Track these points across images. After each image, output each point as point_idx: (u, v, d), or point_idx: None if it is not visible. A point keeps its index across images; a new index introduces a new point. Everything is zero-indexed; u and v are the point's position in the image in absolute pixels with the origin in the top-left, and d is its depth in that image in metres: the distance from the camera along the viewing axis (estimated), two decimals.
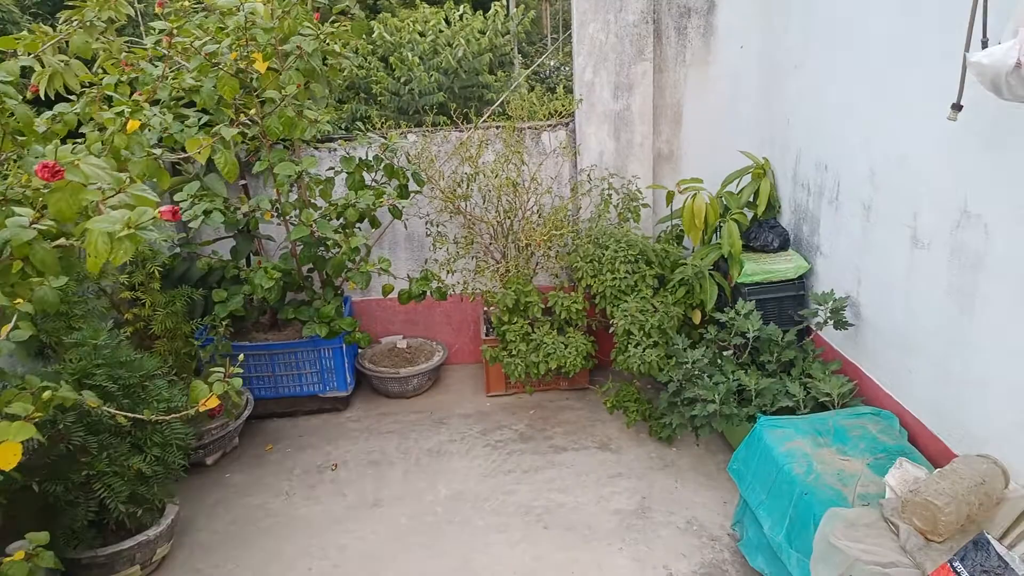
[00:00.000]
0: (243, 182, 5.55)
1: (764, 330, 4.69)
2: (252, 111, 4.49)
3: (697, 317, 5.22)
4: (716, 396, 4.44)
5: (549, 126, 5.87)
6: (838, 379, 4.40)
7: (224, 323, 4.79)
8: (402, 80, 8.58)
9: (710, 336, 4.88)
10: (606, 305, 5.16)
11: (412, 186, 5.54)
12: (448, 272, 5.50)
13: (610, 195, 5.64)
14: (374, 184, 5.30)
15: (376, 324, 6.46)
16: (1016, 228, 3.26)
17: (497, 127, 5.78)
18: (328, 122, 4.81)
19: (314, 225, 4.73)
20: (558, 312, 5.21)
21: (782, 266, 5.15)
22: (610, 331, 4.95)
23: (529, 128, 5.87)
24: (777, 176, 5.65)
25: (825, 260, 5.00)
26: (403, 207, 5.07)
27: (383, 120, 5.74)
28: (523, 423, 5.65)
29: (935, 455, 3.91)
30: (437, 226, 5.68)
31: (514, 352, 5.20)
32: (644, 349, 4.77)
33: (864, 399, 4.48)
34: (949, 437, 3.81)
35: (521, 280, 5.31)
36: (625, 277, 5.05)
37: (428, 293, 5.24)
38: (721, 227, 5.28)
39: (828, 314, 4.59)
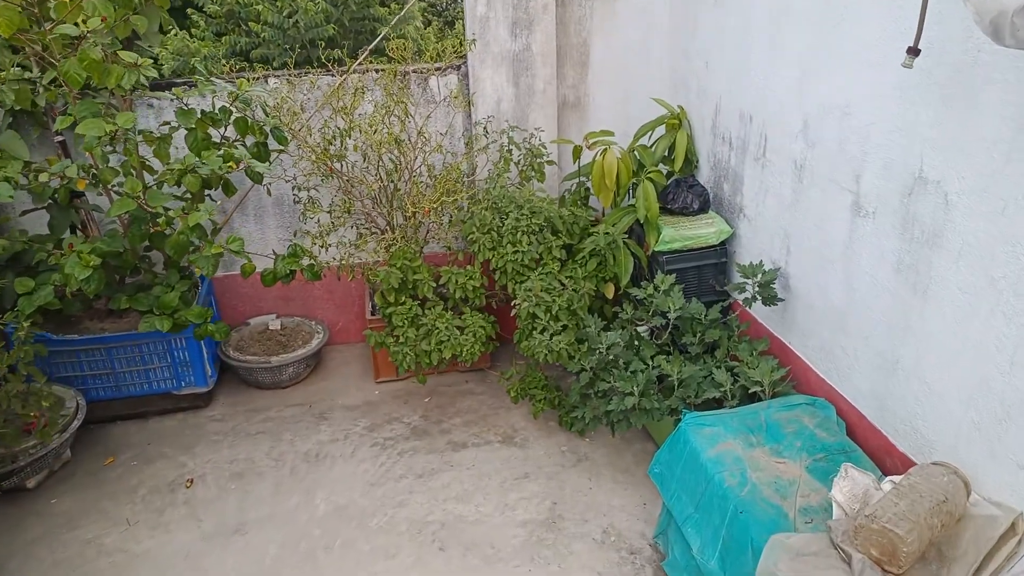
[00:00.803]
0: (59, 139, 4.49)
1: (687, 308, 4.12)
2: (47, 50, 3.47)
3: (610, 291, 4.61)
4: (635, 387, 3.86)
5: (438, 70, 5.03)
6: (768, 363, 3.89)
7: (28, 321, 3.82)
8: (285, 13, 7.46)
9: (626, 315, 4.28)
10: (507, 281, 4.48)
11: (275, 144, 4.63)
12: (323, 247, 4.66)
13: (510, 151, 4.90)
14: (224, 142, 4.37)
15: (243, 302, 5.57)
16: (981, 200, 2.74)
17: (376, 71, 4.90)
18: (204, 59, 3.86)
19: (143, 196, 3.79)
20: (452, 290, 4.49)
21: (703, 231, 4.58)
22: (512, 314, 4.28)
23: (415, 72, 5.01)
24: (694, 127, 5.04)
25: (750, 224, 4.45)
26: (263, 171, 4.17)
27: (265, 59, 4.75)
28: (417, 414, 4.96)
29: (877, 451, 3.46)
30: (308, 191, 4.80)
31: (402, 339, 4.46)
32: (551, 336, 4.13)
33: (795, 383, 4.00)
34: (895, 433, 3.35)
35: (408, 254, 4.54)
36: (528, 250, 4.36)
37: (298, 272, 4.41)
38: (635, 187, 4.64)
39: (756, 289, 4.06)
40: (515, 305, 4.20)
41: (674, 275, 4.60)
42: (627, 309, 4.29)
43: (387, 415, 4.97)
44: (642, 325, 4.29)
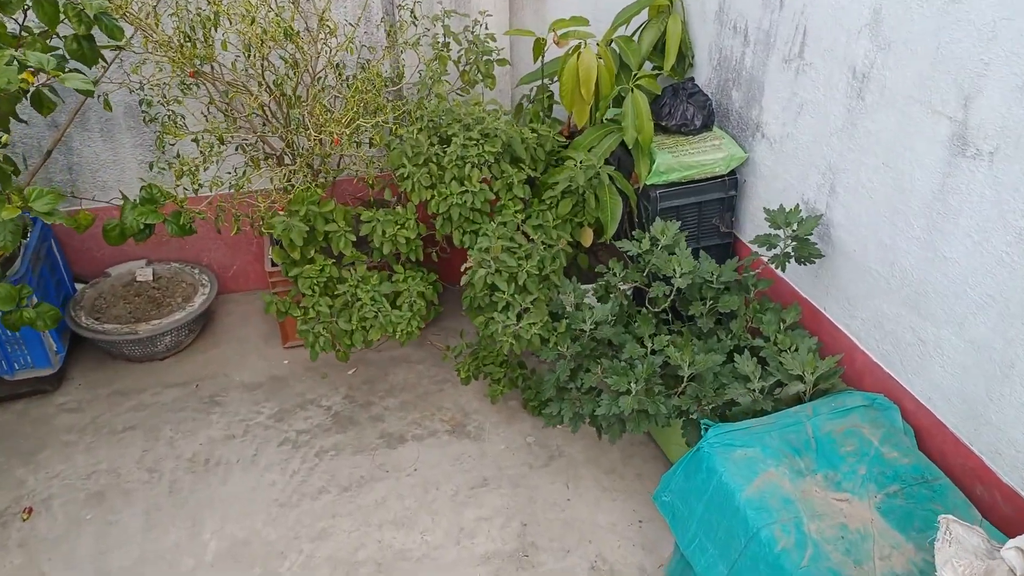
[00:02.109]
0: None
1: (699, 270, 3.06)
2: None
3: (587, 238, 3.51)
4: (632, 384, 2.85)
5: None
6: (805, 342, 2.91)
7: None
8: None
9: (613, 277, 3.20)
10: (452, 231, 3.31)
11: (108, 41, 3.20)
12: (193, 185, 3.35)
13: (447, 44, 3.60)
14: (24, 39, 2.94)
15: (100, 247, 4.22)
16: None
17: None
18: None
19: None
20: (378, 244, 3.30)
21: (709, 157, 3.48)
22: (462, 272, 3.14)
23: None
24: (690, 12, 3.83)
25: (771, 149, 3.37)
26: (84, 86, 2.78)
27: None
28: (339, 394, 3.87)
29: (962, 473, 2.60)
30: (168, 105, 3.41)
31: (311, 313, 3.29)
32: (518, 315, 3.03)
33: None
34: (995, 456, 2.47)
35: (315, 196, 3.29)
36: (481, 189, 3.18)
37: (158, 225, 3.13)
38: (620, 98, 3.46)
39: (790, 243, 3.03)
40: (466, 269, 3.07)
41: (670, 216, 3.53)
42: (615, 269, 3.21)
43: (300, 396, 3.86)
44: (625, 285, 3.24)
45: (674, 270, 3.02)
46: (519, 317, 2.99)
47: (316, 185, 3.39)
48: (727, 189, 3.57)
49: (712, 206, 3.61)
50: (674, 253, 3.09)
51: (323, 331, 3.21)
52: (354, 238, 3.28)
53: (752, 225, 3.61)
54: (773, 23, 3.21)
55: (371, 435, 3.63)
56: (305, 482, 3.39)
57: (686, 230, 3.59)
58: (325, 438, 3.61)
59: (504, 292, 2.95)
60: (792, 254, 3.04)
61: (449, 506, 3.27)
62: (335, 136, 3.05)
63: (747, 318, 3.18)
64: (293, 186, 3.23)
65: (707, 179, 3.53)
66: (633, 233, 3.26)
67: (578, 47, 3.38)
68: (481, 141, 3.17)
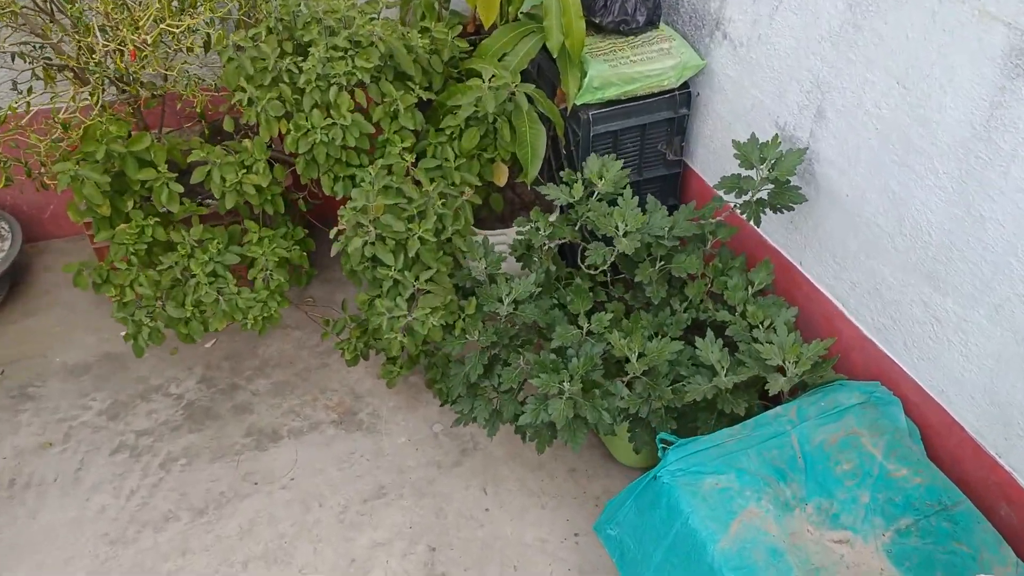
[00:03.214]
0: None
1: (648, 227, 2.32)
2: None
3: (501, 176, 2.71)
4: (564, 383, 2.15)
5: None
6: (783, 315, 2.27)
7: None
8: None
9: (536, 234, 2.44)
10: (318, 175, 2.44)
11: None
12: None
13: None
14: None
15: None
16: None
17: None
18: None
19: None
20: (218, 195, 2.40)
21: (656, 65, 2.67)
22: (332, 251, 2.30)
23: None
24: None
25: (736, 54, 2.59)
26: None
27: None
28: (194, 376, 3.05)
29: (986, 490, 2.05)
30: None
31: (128, 297, 2.40)
32: (409, 300, 2.23)
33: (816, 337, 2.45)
34: None
35: (120, 130, 2.34)
36: (355, 121, 2.29)
37: None
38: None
39: (767, 187, 2.31)
40: (337, 234, 2.22)
41: (605, 143, 2.76)
42: (541, 221, 2.43)
43: (142, 382, 3.02)
44: (553, 242, 2.49)
45: (616, 228, 2.27)
46: (412, 300, 2.21)
47: (125, 112, 2.42)
48: (678, 107, 2.80)
49: (658, 129, 2.84)
50: (616, 203, 2.34)
51: (146, 319, 2.35)
52: (182, 189, 2.37)
53: (707, 151, 2.88)
54: None
55: (235, 432, 2.86)
56: (146, 505, 2.62)
57: (624, 159, 2.84)
58: (174, 440, 2.82)
59: (389, 267, 2.15)
60: (767, 200, 2.33)
61: (336, 529, 2.57)
62: (131, 48, 2.08)
63: (707, 281, 2.49)
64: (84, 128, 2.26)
65: (653, 95, 2.74)
66: (561, 174, 2.47)
67: None
68: (351, 52, 2.26)
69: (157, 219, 2.42)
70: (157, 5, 2.12)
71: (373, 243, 2.12)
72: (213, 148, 2.42)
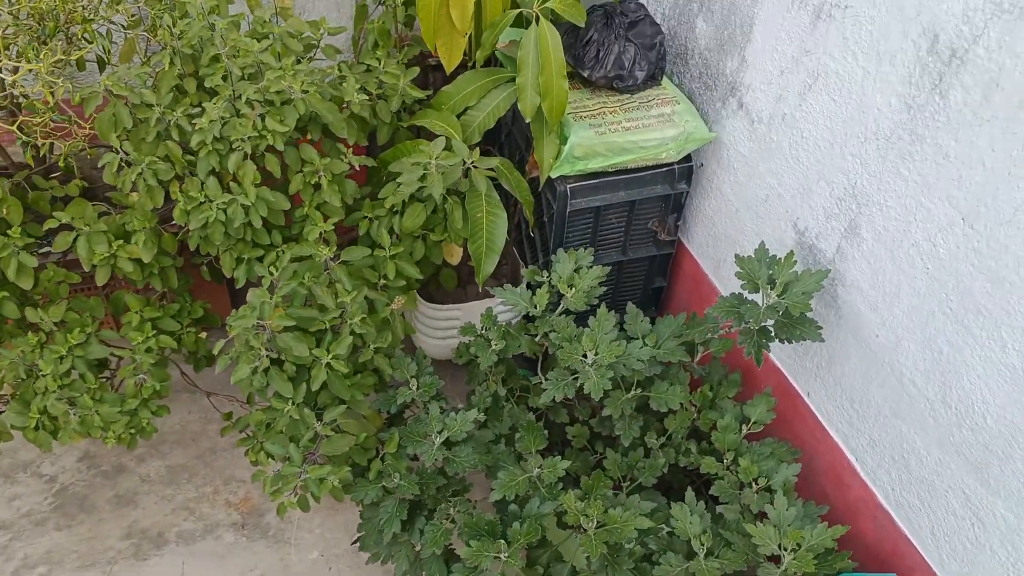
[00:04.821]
0: None
1: (627, 357, 1.84)
2: None
3: (455, 255, 2.20)
4: (503, 555, 1.67)
5: None
6: (784, 473, 1.81)
7: None
8: None
9: (484, 347, 1.94)
10: (217, 252, 1.92)
11: None
12: None
13: None
14: None
15: None
16: None
17: None
18: None
19: None
20: (87, 268, 1.88)
21: (654, 135, 2.17)
22: (217, 367, 1.79)
23: None
24: None
25: (753, 130, 2.09)
26: None
27: None
28: (75, 452, 2.55)
29: None
30: None
31: None
32: (310, 444, 1.72)
33: (828, 506, 2.00)
34: None
35: None
36: (259, 198, 1.78)
37: None
38: (524, 35, 2.07)
39: (774, 312, 1.83)
40: (220, 352, 1.70)
41: (585, 220, 2.27)
42: (492, 330, 1.94)
43: (9, 454, 2.52)
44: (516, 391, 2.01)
45: (584, 357, 1.78)
46: (315, 440, 1.71)
47: None
48: (675, 182, 2.30)
49: (650, 205, 2.34)
50: (585, 324, 1.85)
51: None
52: (35, 262, 1.84)
53: (707, 233, 2.40)
54: None
55: (112, 532, 2.37)
56: None
57: (607, 237, 2.36)
58: (35, 539, 2.33)
59: (286, 403, 1.65)
60: (773, 332, 1.85)
61: None
62: None
63: (692, 413, 2.02)
64: None
65: (647, 168, 2.24)
66: (522, 272, 1.97)
67: None
68: (263, 110, 1.74)
69: (7, 293, 1.90)
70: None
71: (266, 370, 1.63)
72: (84, 206, 1.90)
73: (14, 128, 1.70)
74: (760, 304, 1.83)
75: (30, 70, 1.56)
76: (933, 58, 1.52)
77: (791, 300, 1.79)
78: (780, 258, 1.84)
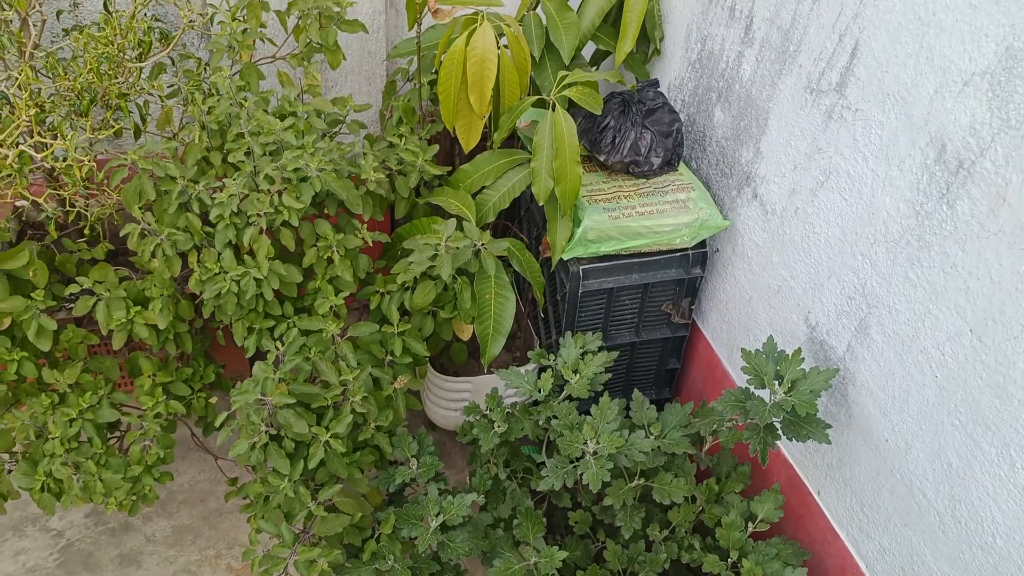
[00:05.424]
0: None
1: (628, 447, 1.82)
2: None
3: (466, 332, 2.21)
4: None
5: None
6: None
7: None
8: None
9: (486, 429, 1.94)
10: (229, 321, 1.96)
11: None
12: None
13: None
14: None
15: None
16: None
17: None
18: None
19: None
20: (104, 331, 1.94)
21: (668, 220, 2.18)
22: (218, 440, 1.81)
23: None
24: None
25: (767, 221, 2.09)
26: None
27: None
28: (84, 507, 2.58)
29: None
30: None
31: None
32: (305, 522, 1.73)
33: None
34: None
35: None
36: (271, 272, 1.82)
37: None
38: (540, 119, 2.11)
39: (780, 410, 1.79)
40: (223, 424, 1.73)
41: (596, 301, 2.27)
42: (495, 412, 1.94)
43: (20, 507, 2.55)
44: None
45: (584, 445, 1.77)
46: (309, 518, 1.71)
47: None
48: (690, 266, 2.30)
49: (664, 289, 2.34)
50: (587, 411, 1.83)
51: None
52: (55, 325, 1.90)
53: (720, 318, 2.38)
54: (798, 21, 1.87)
55: None
56: None
57: (620, 318, 2.35)
58: None
59: (283, 480, 1.66)
60: (777, 429, 1.82)
61: None
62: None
63: (697, 506, 1.98)
64: None
65: (661, 252, 2.25)
66: (529, 354, 1.97)
67: (471, 23, 1.99)
68: (280, 187, 1.79)
69: (26, 353, 1.96)
70: (32, 111, 1.67)
71: (265, 446, 1.64)
72: (107, 271, 1.96)
73: (41, 200, 1.77)
74: (767, 401, 1.80)
75: (63, 146, 1.64)
76: (940, 167, 1.51)
77: (798, 399, 1.76)
78: (788, 353, 1.82)
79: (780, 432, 1.82)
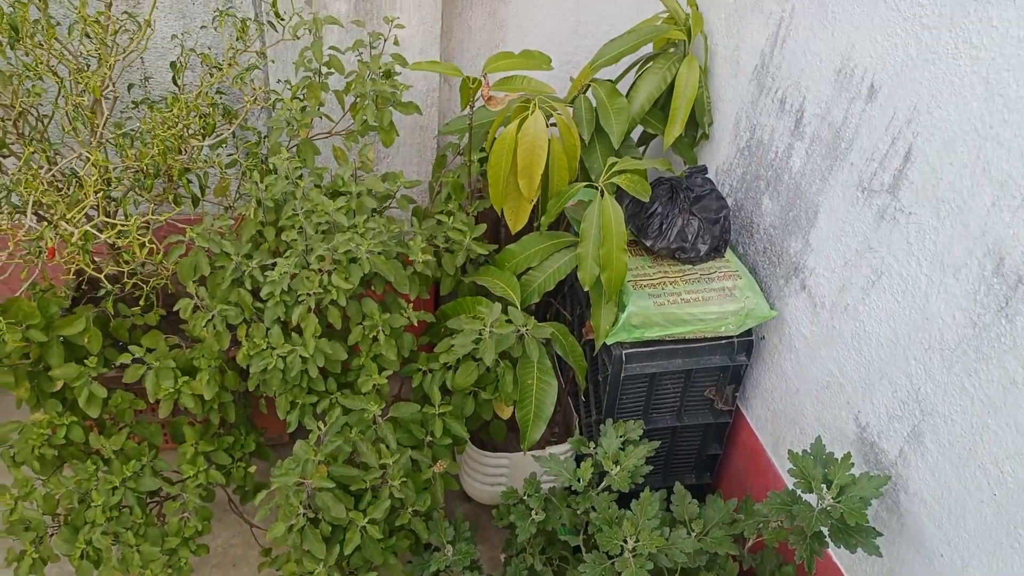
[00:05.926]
0: None
1: (669, 546, 1.77)
2: None
3: (505, 412, 2.20)
4: None
5: None
6: None
7: None
8: None
9: (523, 516, 1.91)
10: (272, 393, 1.99)
11: None
12: None
13: (327, 68, 2.22)
14: None
15: None
16: None
17: None
18: None
19: None
20: (152, 399, 1.98)
21: (713, 309, 2.16)
22: (256, 518, 1.83)
23: None
24: (715, 55, 2.47)
25: (815, 314, 2.06)
26: None
27: None
28: None
29: None
30: None
31: (15, 511, 1.97)
32: None
33: None
34: None
35: (50, 308, 1.95)
36: (317, 350, 1.85)
37: None
38: (588, 204, 2.13)
39: (829, 518, 1.74)
40: (262, 502, 1.74)
41: (639, 385, 2.24)
42: (533, 498, 1.92)
43: None
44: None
45: (624, 543, 1.73)
46: None
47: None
48: (735, 354, 2.27)
49: (708, 375, 2.31)
50: (628, 506, 1.80)
51: (31, 547, 1.91)
52: (104, 393, 1.94)
53: (765, 407, 2.33)
54: (850, 120, 1.87)
55: None
56: None
57: (662, 403, 2.32)
58: None
59: (318, 564, 1.65)
60: (828, 538, 1.76)
61: None
62: (49, 243, 1.69)
63: None
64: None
65: (705, 340, 2.23)
66: (568, 441, 1.95)
67: (523, 109, 2.03)
68: (330, 267, 1.83)
69: (75, 418, 2.00)
70: (99, 192, 1.74)
71: (302, 529, 1.64)
72: (158, 339, 2.01)
73: (102, 276, 1.83)
74: (814, 506, 1.75)
75: (126, 227, 1.70)
76: (999, 280, 1.48)
77: (847, 506, 1.70)
78: (837, 456, 1.77)
79: (828, 540, 1.76)
